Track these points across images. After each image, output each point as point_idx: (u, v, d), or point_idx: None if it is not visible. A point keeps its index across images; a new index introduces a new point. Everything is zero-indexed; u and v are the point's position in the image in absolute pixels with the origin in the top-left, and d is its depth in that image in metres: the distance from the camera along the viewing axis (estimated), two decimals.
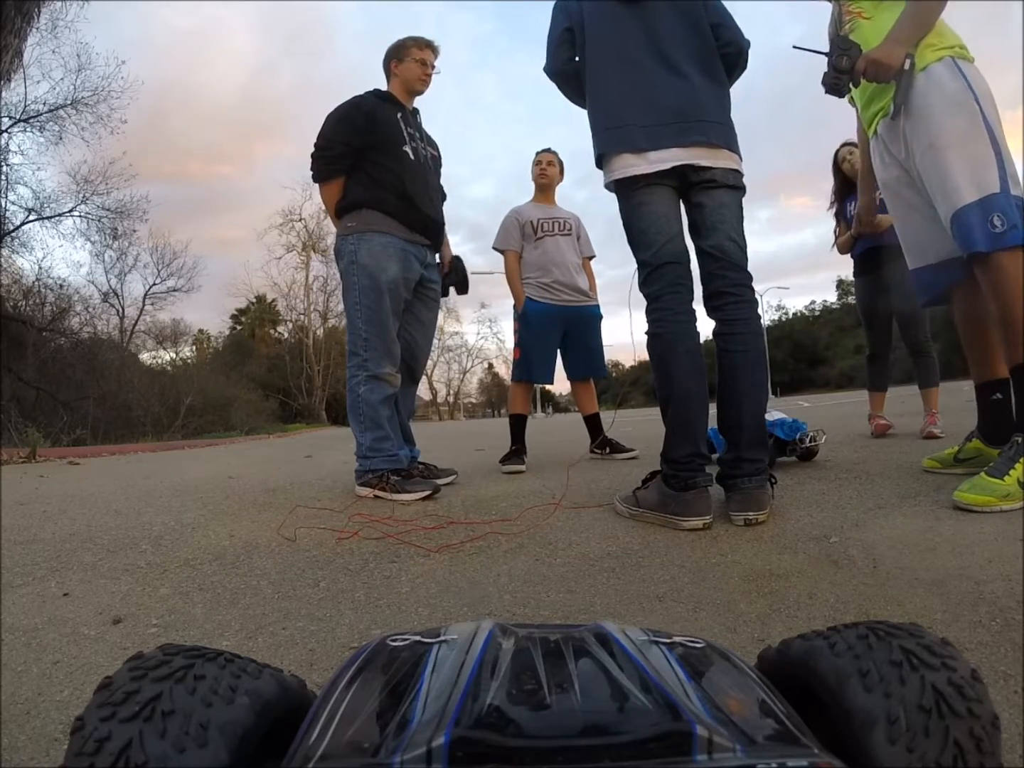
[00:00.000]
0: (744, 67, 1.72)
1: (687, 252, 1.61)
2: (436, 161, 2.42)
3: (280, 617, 1.05)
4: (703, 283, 1.62)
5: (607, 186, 1.66)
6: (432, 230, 2.32)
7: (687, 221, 1.64)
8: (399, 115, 2.25)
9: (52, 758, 0.66)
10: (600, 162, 1.66)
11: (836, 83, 1.62)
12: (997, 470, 1.40)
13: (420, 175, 2.27)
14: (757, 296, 1.67)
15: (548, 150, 3.08)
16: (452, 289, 2.59)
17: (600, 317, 3.06)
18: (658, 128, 1.54)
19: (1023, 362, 1.46)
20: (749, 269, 1.61)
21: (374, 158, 2.18)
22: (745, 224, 1.63)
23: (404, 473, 2.12)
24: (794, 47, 1.70)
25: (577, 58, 1.71)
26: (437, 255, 2.46)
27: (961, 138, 1.52)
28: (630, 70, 1.59)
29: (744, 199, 1.64)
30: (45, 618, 1.07)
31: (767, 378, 1.63)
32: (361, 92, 2.28)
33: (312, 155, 2.18)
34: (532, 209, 2.99)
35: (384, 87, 2.33)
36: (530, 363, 2.90)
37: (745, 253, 1.60)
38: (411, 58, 2.27)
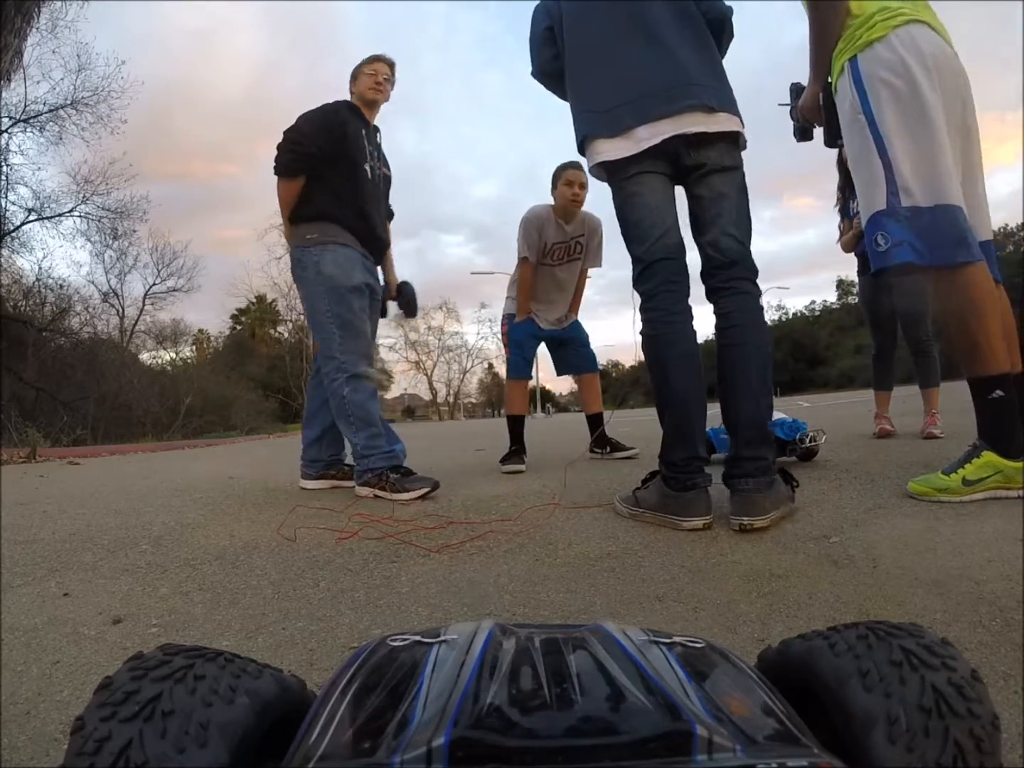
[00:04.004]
0: (731, 35, 1.66)
1: (683, 245, 1.56)
2: (387, 181, 2.47)
3: (280, 617, 1.05)
4: (702, 280, 1.56)
5: (590, 171, 1.62)
6: (379, 249, 2.38)
7: (689, 215, 1.57)
8: (364, 131, 2.29)
9: (52, 758, 0.66)
10: (582, 148, 1.61)
11: (799, 130, 1.75)
12: (950, 468, 1.49)
13: (374, 194, 2.33)
14: (758, 287, 1.57)
15: (579, 166, 2.69)
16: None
17: (578, 326, 3.07)
18: (643, 100, 1.47)
19: (974, 375, 1.46)
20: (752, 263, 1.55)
21: (338, 170, 2.20)
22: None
23: (403, 470, 2.13)
24: (779, 105, 1.80)
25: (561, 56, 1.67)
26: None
27: (856, 161, 1.52)
28: (610, 50, 1.54)
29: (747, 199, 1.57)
30: (45, 618, 1.07)
31: (768, 372, 1.51)
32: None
33: (281, 147, 2.14)
34: (552, 229, 2.80)
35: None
36: (521, 360, 2.92)
37: (744, 245, 1.52)
38: (363, 73, 2.34)
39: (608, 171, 1.56)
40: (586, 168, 1.67)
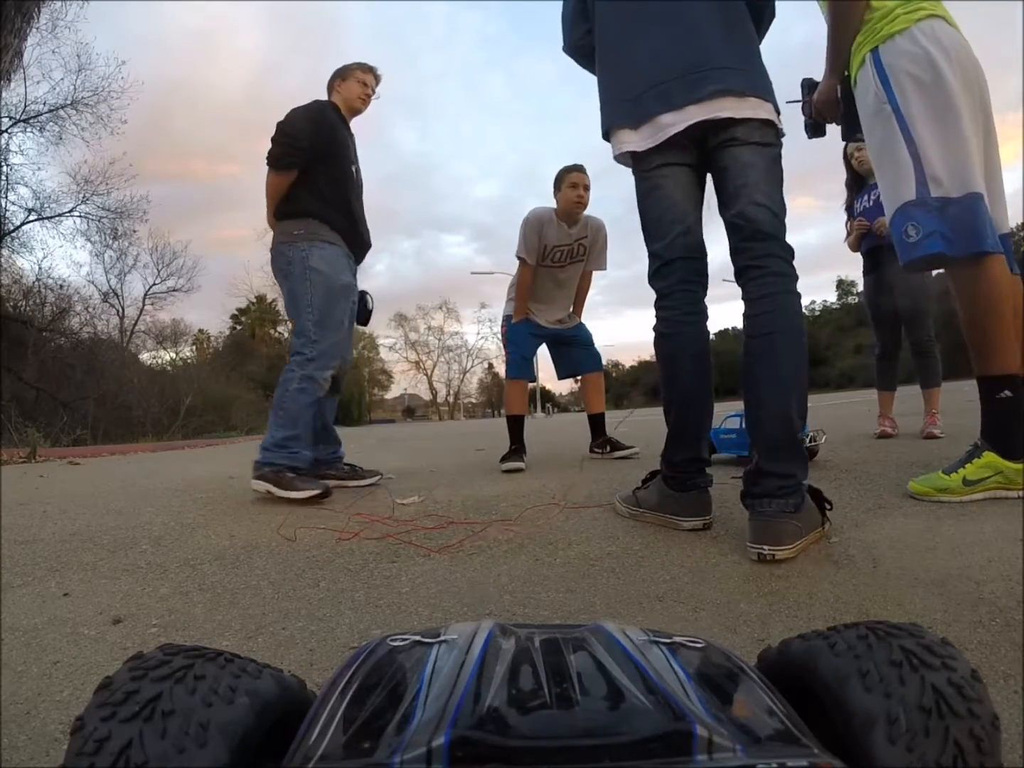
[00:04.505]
0: (772, 15, 1.56)
1: (703, 245, 1.47)
2: (362, 184, 2.48)
3: (280, 617, 1.05)
4: (732, 261, 1.40)
5: (615, 159, 1.55)
6: (362, 249, 2.39)
7: (716, 193, 1.44)
8: (346, 132, 2.30)
9: (52, 758, 0.66)
10: (607, 135, 1.53)
11: (812, 126, 1.70)
12: (951, 468, 1.49)
13: (359, 195, 2.34)
14: (794, 270, 1.36)
15: (583, 169, 2.76)
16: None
17: (581, 326, 3.07)
18: (667, 85, 1.37)
19: (983, 374, 1.46)
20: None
21: (326, 169, 2.19)
22: None
23: (302, 472, 2.11)
24: (787, 102, 1.72)
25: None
26: None
27: (881, 150, 1.50)
28: (634, 32, 1.45)
29: None
30: (45, 618, 1.07)
31: (801, 369, 1.30)
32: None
33: (276, 139, 2.11)
34: (554, 231, 2.78)
35: None
36: (520, 359, 2.92)
37: (779, 218, 1.34)
38: (353, 78, 2.33)
39: (632, 159, 1.48)
40: (599, 164, 1.64)
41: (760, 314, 1.31)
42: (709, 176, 1.47)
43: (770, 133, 1.37)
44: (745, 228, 1.33)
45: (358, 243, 2.34)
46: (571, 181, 2.71)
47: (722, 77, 1.33)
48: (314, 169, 2.17)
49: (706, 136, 1.37)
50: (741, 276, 1.37)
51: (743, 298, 1.36)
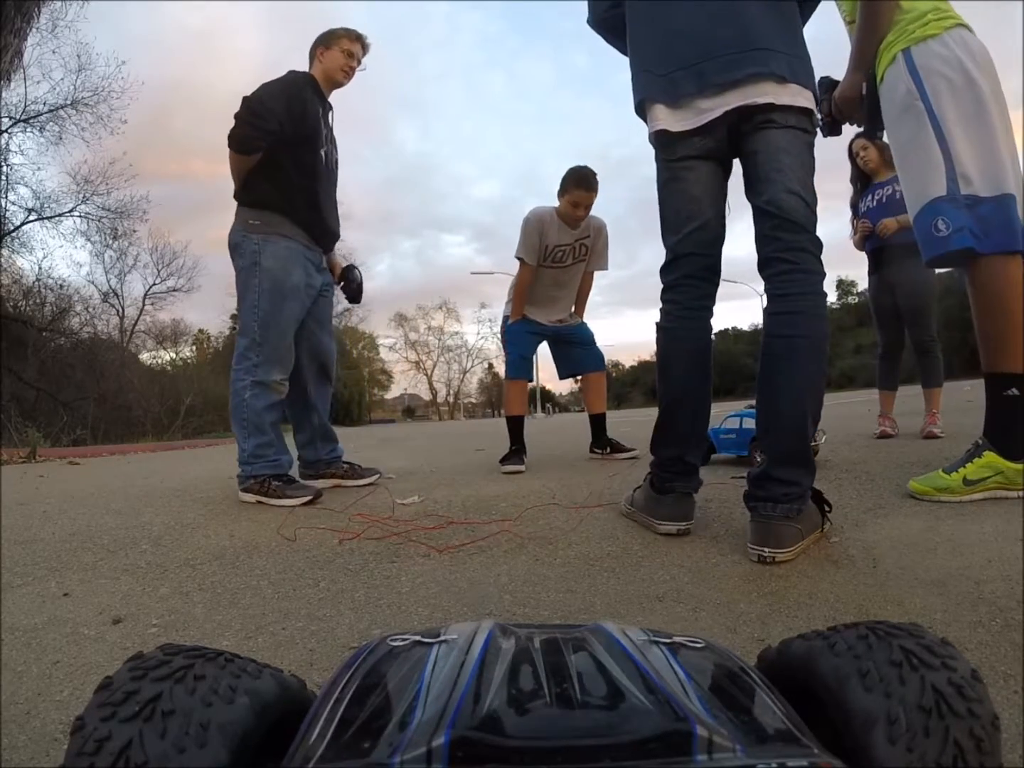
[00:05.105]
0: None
1: (719, 240, 1.40)
2: (337, 165, 2.32)
3: (280, 617, 1.05)
4: (756, 249, 1.33)
5: (648, 137, 1.46)
6: (329, 242, 2.29)
7: (744, 179, 1.37)
8: (321, 111, 2.15)
9: (52, 758, 0.66)
10: (640, 110, 1.46)
11: (829, 124, 1.69)
12: (951, 467, 1.50)
13: (327, 183, 2.21)
14: (823, 267, 1.30)
15: (589, 186, 2.63)
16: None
17: (583, 325, 3.06)
18: (705, 65, 1.29)
19: (992, 370, 1.47)
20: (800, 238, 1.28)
21: (293, 154, 2.06)
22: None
23: (286, 478, 2.09)
24: None
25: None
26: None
27: (909, 146, 1.51)
28: (670, 3, 1.38)
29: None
30: (45, 618, 1.07)
31: (820, 376, 1.26)
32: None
33: (241, 117, 1.94)
34: (555, 231, 2.75)
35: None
36: (519, 359, 2.91)
37: (811, 208, 1.28)
38: (338, 47, 2.17)
39: (659, 140, 1.40)
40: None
41: (785, 313, 1.26)
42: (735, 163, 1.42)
43: (806, 120, 1.31)
44: (776, 217, 1.27)
45: (325, 234, 2.21)
46: (573, 199, 2.65)
47: (764, 60, 1.26)
48: (280, 153, 2.02)
49: (740, 119, 1.30)
50: (767, 268, 1.30)
51: (766, 291, 1.30)
